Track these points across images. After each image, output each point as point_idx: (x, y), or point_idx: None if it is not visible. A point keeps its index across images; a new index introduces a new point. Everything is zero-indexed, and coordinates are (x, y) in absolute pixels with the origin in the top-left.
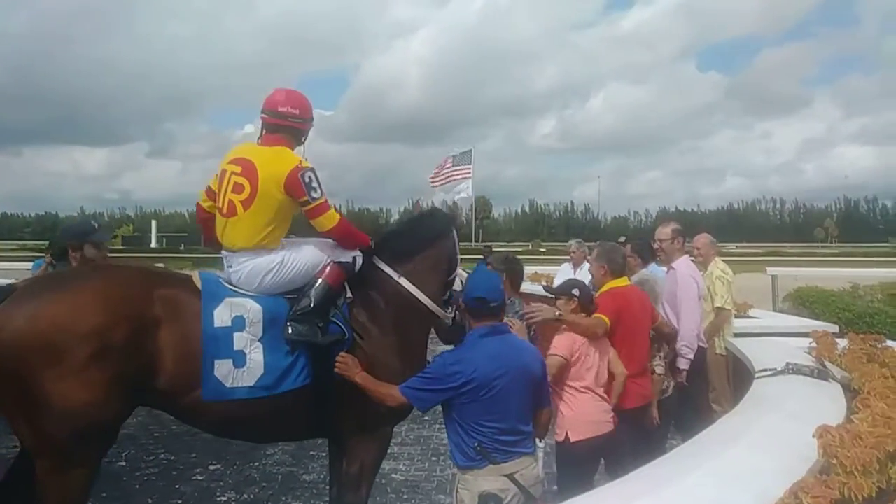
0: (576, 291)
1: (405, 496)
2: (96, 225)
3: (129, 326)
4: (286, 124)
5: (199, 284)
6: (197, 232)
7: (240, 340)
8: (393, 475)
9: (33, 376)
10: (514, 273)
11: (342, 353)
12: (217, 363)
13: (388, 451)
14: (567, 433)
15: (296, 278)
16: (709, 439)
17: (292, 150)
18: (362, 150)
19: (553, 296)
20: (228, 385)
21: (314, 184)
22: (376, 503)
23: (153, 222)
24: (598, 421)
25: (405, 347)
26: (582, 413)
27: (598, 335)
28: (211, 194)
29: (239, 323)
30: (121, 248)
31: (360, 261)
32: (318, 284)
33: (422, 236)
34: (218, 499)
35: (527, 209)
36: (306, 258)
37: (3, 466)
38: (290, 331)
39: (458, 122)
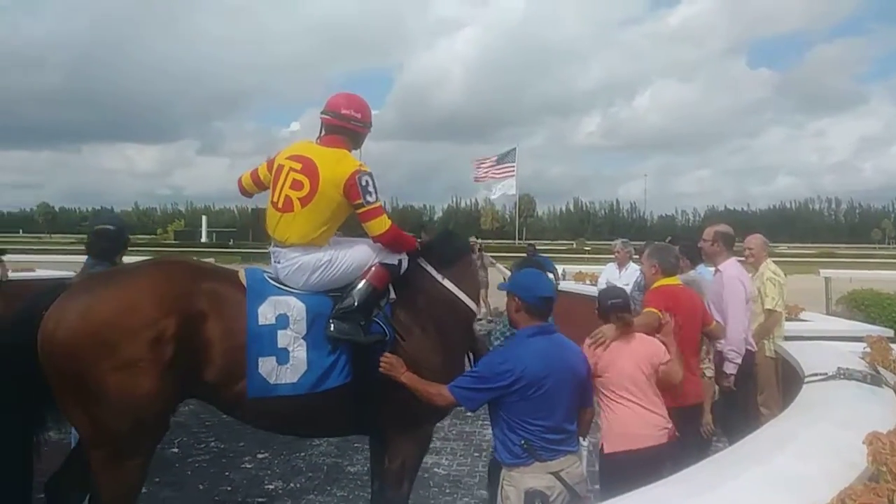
0: (613, 302)
1: (447, 490)
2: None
3: (177, 321)
4: (347, 127)
5: (244, 281)
6: (245, 227)
7: (283, 338)
8: (436, 469)
9: (88, 370)
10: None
11: (386, 354)
12: (261, 360)
13: (431, 445)
14: (602, 444)
15: (342, 277)
16: (754, 444)
17: (350, 152)
18: (406, 148)
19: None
20: (272, 382)
21: (370, 188)
22: (419, 496)
23: (203, 218)
24: (635, 434)
25: (446, 348)
26: (616, 425)
27: (655, 327)
28: (257, 180)
29: (283, 321)
30: (173, 242)
31: (405, 263)
32: (362, 285)
33: (456, 246)
34: (265, 487)
35: (571, 208)
36: (354, 258)
37: (60, 454)
38: (332, 329)
39: (503, 119)
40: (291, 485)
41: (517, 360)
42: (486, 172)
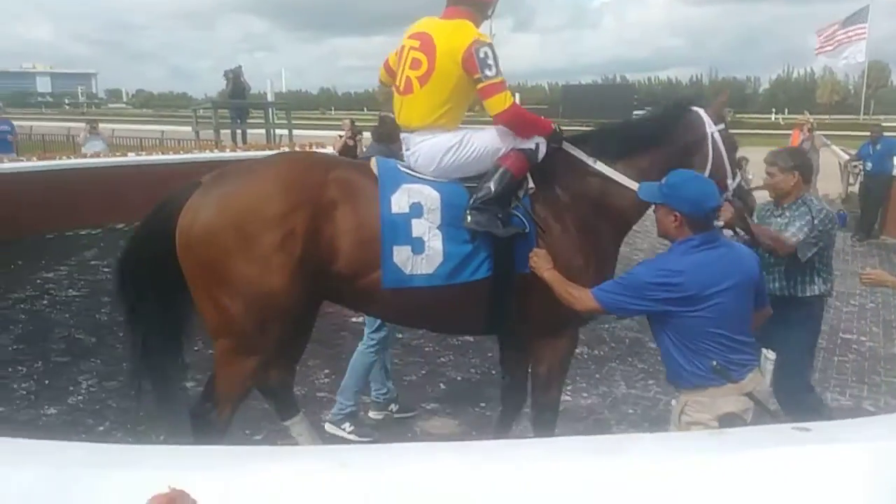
0: None
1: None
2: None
3: (307, 212)
4: None
5: (376, 171)
6: (555, 104)
7: (418, 227)
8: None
9: (224, 260)
10: (806, 169)
11: (535, 249)
12: (396, 249)
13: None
14: None
15: (476, 161)
16: None
17: (476, 24)
18: (729, 12)
19: None
20: (407, 272)
21: (489, 60)
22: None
23: (517, 95)
24: None
25: (590, 249)
26: None
27: None
28: (389, 70)
29: (417, 210)
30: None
31: (543, 148)
32: (499, 172)
33: (648, 132)
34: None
35: None
36: (487, 141)
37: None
38: (469, 219)
39: None
40: (596, 351)
41: (680, 272)
42: (830, 42)
